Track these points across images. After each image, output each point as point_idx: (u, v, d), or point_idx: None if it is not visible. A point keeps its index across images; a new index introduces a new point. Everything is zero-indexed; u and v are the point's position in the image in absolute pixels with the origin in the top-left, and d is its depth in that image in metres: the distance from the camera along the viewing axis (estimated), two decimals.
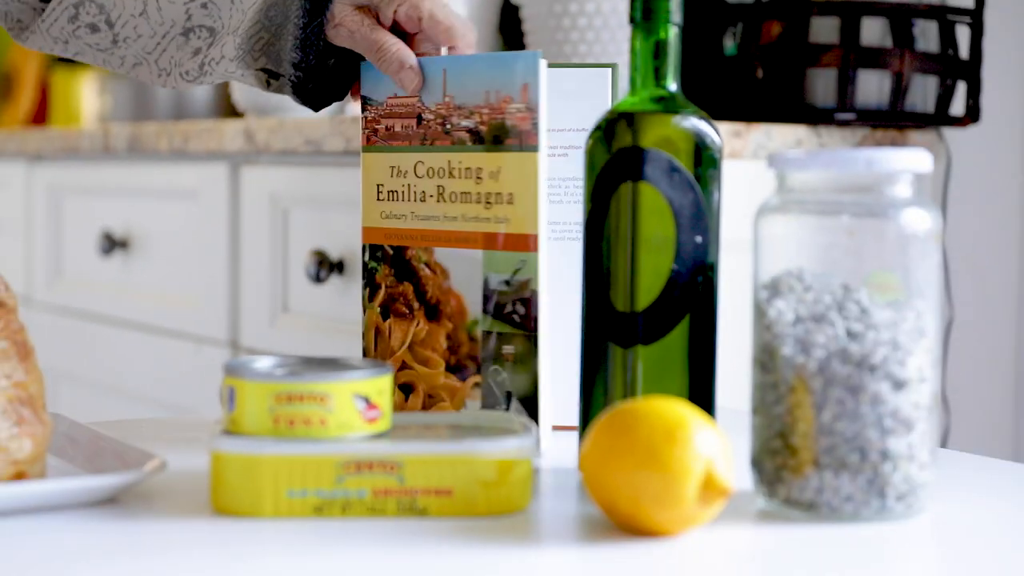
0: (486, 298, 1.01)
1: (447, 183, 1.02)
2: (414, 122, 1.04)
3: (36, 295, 2.47)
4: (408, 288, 1.04)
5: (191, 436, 1.04)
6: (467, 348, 1.02)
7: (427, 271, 1.03)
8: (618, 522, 0.80)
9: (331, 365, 0.88)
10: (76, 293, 2.38)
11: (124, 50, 1.12)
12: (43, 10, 1.14)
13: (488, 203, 1.00)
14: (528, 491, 0.85)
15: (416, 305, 1.04)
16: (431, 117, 1.03)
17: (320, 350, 1.80)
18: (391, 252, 1.05)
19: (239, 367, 0.85)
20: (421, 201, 1.04)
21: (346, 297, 1.85)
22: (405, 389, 1.05)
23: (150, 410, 2.17)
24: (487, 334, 1.01)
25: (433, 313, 1.03)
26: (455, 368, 1.03)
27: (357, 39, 1.04)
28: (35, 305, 2.46)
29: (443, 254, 1.03)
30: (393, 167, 1.05)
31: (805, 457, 0.83)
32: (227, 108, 2.66)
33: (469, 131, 1.01)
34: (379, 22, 1.05)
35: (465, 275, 1.02)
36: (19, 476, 0.84)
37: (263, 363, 0.87)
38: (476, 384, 1.02)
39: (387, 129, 1.05)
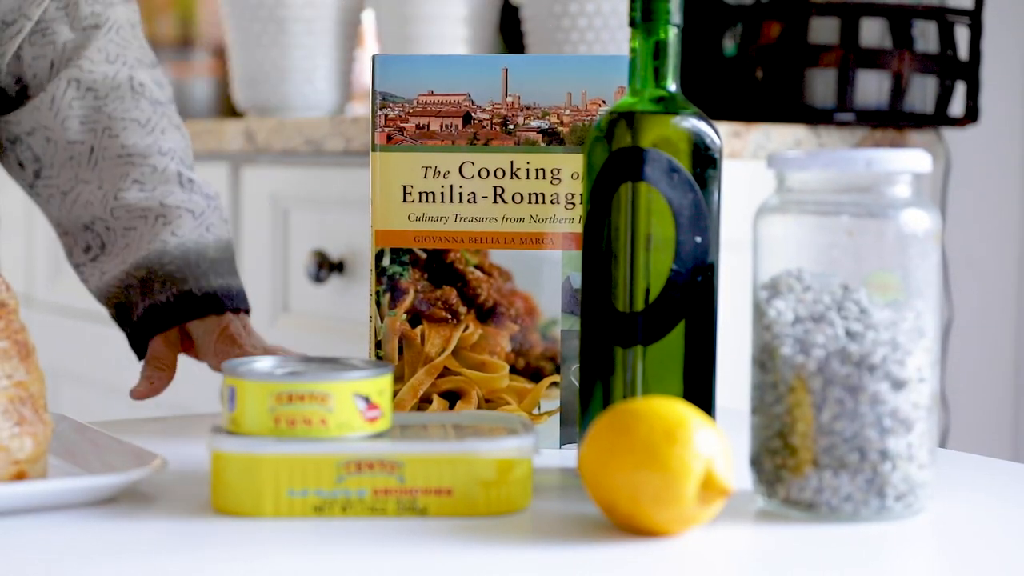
0: (568, 297, 1.02)
1: (508, 184, 1.02)
2: (459, 121, 1.03)
3: (37, 295, 2.47)
4: (450, 292, 1.03)
5: (192, 435, 1.05)
6: (541, 349, 1.03)
7: (477, 274, 1.03)
8: (618, 522, 0.80)
9: (331, 365, 0.88)
10: (77, 293, 2.38)
11: (42, 195, 1.23)
12: None
13: (571, 204, 1.01)
14: (528, 491, 0.85)
15: (463, 309, 1.04)
16: (486, 116, 1.03)
17: (320, 350, 1.81)
18: (423, 256, 1.03)
19: (239, 367, 0.85)
20: (471, 202, 1.03)
21: (346, 297, 1.85)
22: (450, 396, 1.04)
23: (151, 410, 2.17)
24: (567, 333, 1.02)
25: (489, 316, 1.03)
26: (524, 370, 1.03)
27: (155, 343, 1.17)
28: (36, 305, 2.46)
29: (503, 256, 1.03)
30: (428, 167, 1.03)
31: (804, 457, 0.83)
32: (228, 108, 2.66)
33: (542, 131, 1.01)
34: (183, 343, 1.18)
35: (533, 275, 1.02)
36: (20, 476, 0.84)
37: (263, 363, 0.87)
38: (554, 383, 1.02)
39: (419, 128, 1.03)
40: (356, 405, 0.83)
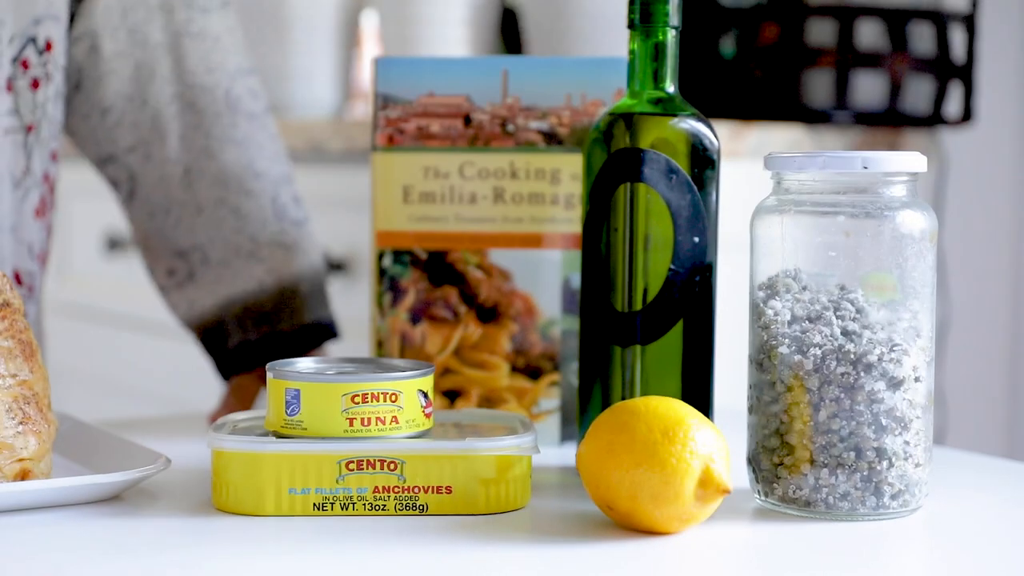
0: (567, 297, 1.03)
1: (508, 184, 1.03)
2: (459, 122, 1.03)
3: (41, 294, 2.47)
4: (451, 292, 1.04)
5: (194, 434, 1.05)
6: (540, 348, 1.03)
7: (478, 273, 1.03)
8: (616, 520, 0.80)
9: (375, 364, 0.89)
10: (81, 292, 2.39)
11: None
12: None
13: (571, 204, 1.02)
14: (527, 489, 0.85)
15: (463, 309, 1.04)
16: (485, 117, 1.03)
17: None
18: (424, 256, 1.04)
19: (297, 370, 0.85)
20: (471, 203, 1.03)
21: (348, 296, 1.86)
22: (450, 395, 1.04)
23: (154, 408, 2.18)
24: (566, 333, 1.03)
25: (489, 316, 1.03)
26: (524, 369, 1.03)
27: (237, 390, 1.16)
28: (40, 304, 2.46)
29: (503, 256, 1.03)
30: (428, 168, 1.03)
31: (801, 455, 0.84)
32: None
33: (542, 133, 1.02)
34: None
35: (532, 276, 1.03)
36: (24, 474, 0.84)
37: (309, 364, 0.88)
38: (553, 383, 1.03)
39: (420, 129, 1.03)
40: (420, 401, 0.85)
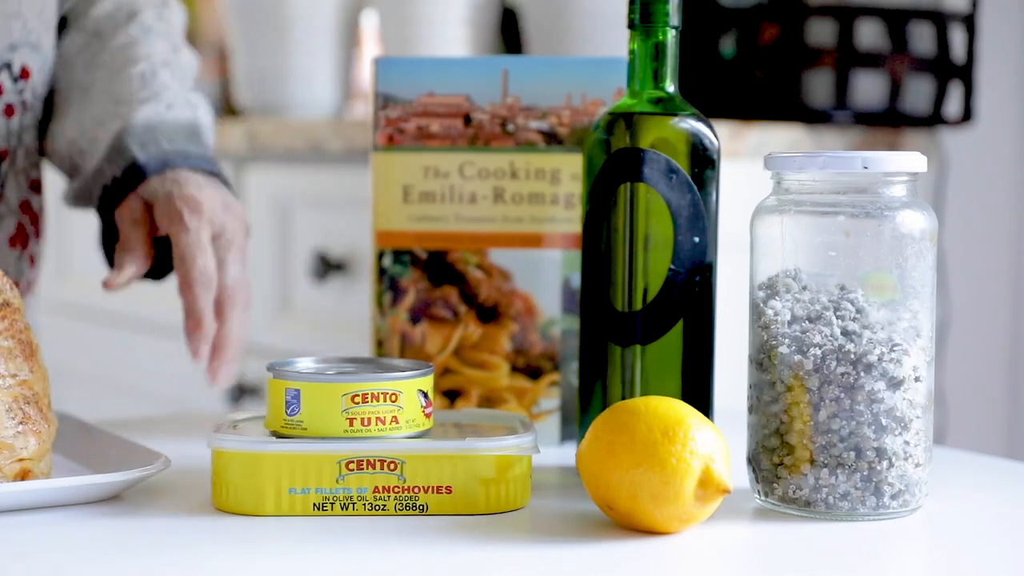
0: (567, 297, 1.03)
1: (508, 184, 1.03)
2: (459, 122, 1.03)
3: (42, 294, 2.48)
4: (451, 292, 1.03)
5: (194, 434, 1.05)
6: (540, 348, 1.03)
7: (478, 273, 1.03)
8: (616, 520, 0.81)
9: (375, 363, 0.89)
10: (81, 292, 2.39)
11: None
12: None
13: (570, 204, 1.02)
14: (527, 489, 0.85)
15: (463, 308, 1.04)
16: (485, 117, 1.03)
17: (322, 348, 1.81)
18: (424, 256, 1.04)
19: (297, 370, 0.85)
20: (471, 203, 1.03)
21: (347, 296, 1.86)
22: (450, 395, 1.04)
23: (154, 408, 2.18)
24: (566, 332, 1.03)
25: (489, 315, 1.03)
26: (524, 369, 1.04)
27: (121, 225, 1.08)
28: (40, 304, 2.46)
29: (503, 256, 1.04)
30: (428, 168, 1.03)
31: (801, 455, 0.84)
32: (229, 108, 2.67)
33: (542, 132, 1.02)
34: (153, 222, 1.07)
35: (532, 275, 1.03)
36: (24, 474, 0.84)
37: (309, 364, 0.88)
38: (553, 383, 1.03)
39: (420, 129, 1.03)
40: (420, 401, 0.85)
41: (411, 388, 0.85)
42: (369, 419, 0.83)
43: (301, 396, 0.83)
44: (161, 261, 1.09)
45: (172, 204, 1.04)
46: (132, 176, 1.07)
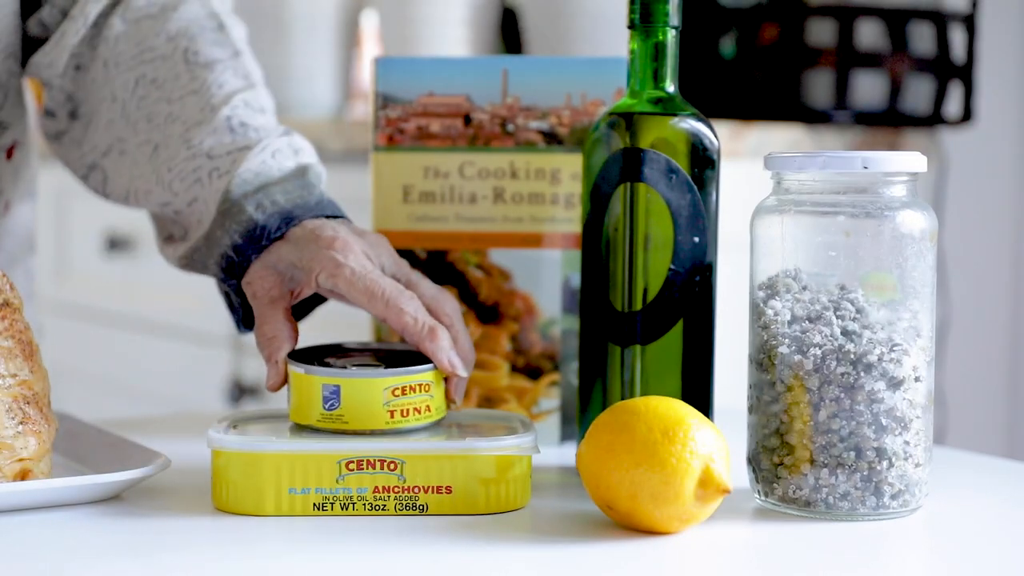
0: (567, 297, 1.03)
1: (508, 184, 1.03)
2: (459, 122, 1.03)
3: (42, 294, 2.48)
4: (451, 291, 1.03)
5: (194, 433, 1.05)
6: (540, 348, 1.03)
7: (478, 273, 1.03)
8: (616, 520, 0.81)
9: (398, 352, 0.91)
10: (81, 292, 2.39)
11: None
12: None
13: (570, 204, 1.02)
14: (527, 489, 0.85)
15: (463, 308, 1.03)
16: (485, 117, 1.03)
17: None
18: (424, 256, 1.04)
19: (335, 366, 0.86)
20: (471, 203, 1.03)
21: None
22: None
23: (154, 407, 2.18)
24: (566, 332, 1.03)
25: (490, 315, 1.03)
26: (524, 369, 1.04)
27: (255, 306, 0.93)
28: (40, 304, 2.46)
29: (503, 255, 1.04)
30: (428, 168, 1.03)
31: (801, 455, 0.84)
32: None
33: (542, 132, 1.02)
34: (291, 292, 0.93)
35: (532, 275, 1.03)
36: (24, 474, 0.84)
37: (323, 355, 0.89)
38: (553, 383, 1.03)
39: (420, 129, 1.03)
40: (442, 388, 0.87)
41: (438, 377, 0.87)
42: (408, 410, 0.85)
43: (341, 391, 0.84)
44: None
45: (318, 256, 0.91)
46: (253, 240, 0.93)
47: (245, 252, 0.94)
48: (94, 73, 1.05)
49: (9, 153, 1.11)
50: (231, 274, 0.95)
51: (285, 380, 0.89)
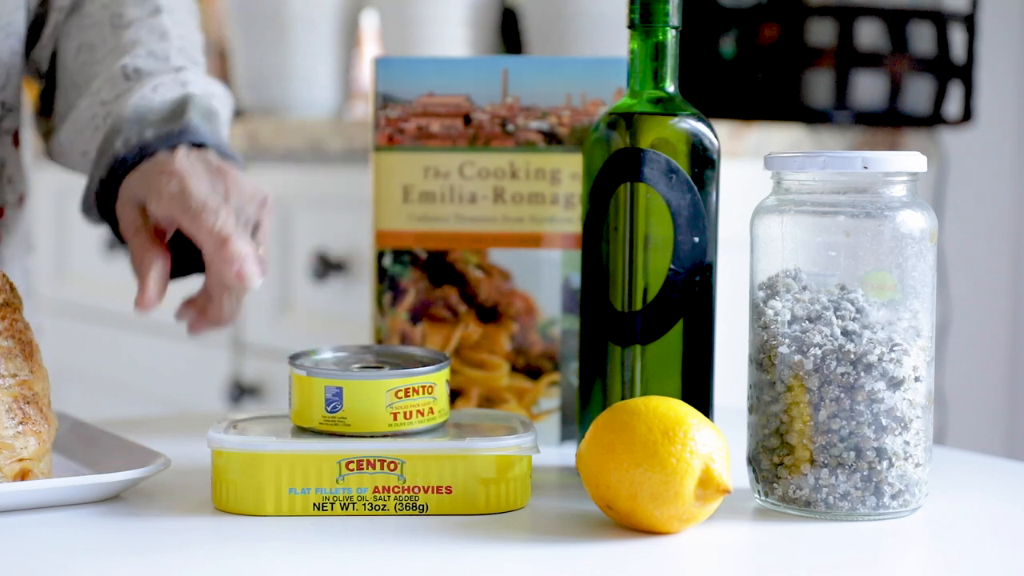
0: (567, 297, 1.03)
1: (508, 184, 1.03)
2: (459, 122, 1.03)
3: (42, 294, 2.48)
4: (451, 292, 1.04)
5: (194, 433, 1.05)
6: (540, 348, 1.03)
7: (477, 273, 1.03)
8: (616, 520, 0.81)
9: (401, 355, 0.90)
10: (81, 292, 2.39)
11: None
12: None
13: (570, 204, 1.02)
14: (527, 489, 0.85)
15: (463, 308, 1.04)
16: (485, 117, 1.03)
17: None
18: (424, 256, 1.04)
19: (337, 368, 0.86)
20: (471, 203, 1.03)
21: (348, 295, 1.86)
22: (450, 395, 1.04)
23: (154, 407, 2.18)
24: (566, 332, 1.03)
25: (489, 315, 1.03)
26: (524, 369, 1.04)
27: (126, 240, 0.97)
28: (40, 304, 2.46)
29: (502, 255, 1.04)
30: (428, 168, 1.03)
31: (801, 455, 0.84)
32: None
33: (542, 132, 1.02)
34: (155, 222, 0.95)
35: (532, 275, 1.03)
36: (24, 474, 0.84)
37: (327, 356, 0.89)
38: (553, 383, 1.03)
39: (420, 129, 1.03)
40: (446, 390, 0.87)
41: (441, 379, 0.86)
42: (411, 412, 0.85)
43: (344, 393, 0.84)
44: (183, 260, 1.00)
45: (151, 184, 0.93)
46: (115, 174, 0.98)
47: (108, 187, 0.98)
48: (58, 50, 1.11)
49: (15, 139, 1.12)
50: (104, 212, 0.99)
51: (155, 300, 0.92)
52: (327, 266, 1.86)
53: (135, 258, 0.95)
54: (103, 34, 1.08)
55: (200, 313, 0.96)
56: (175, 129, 0.98)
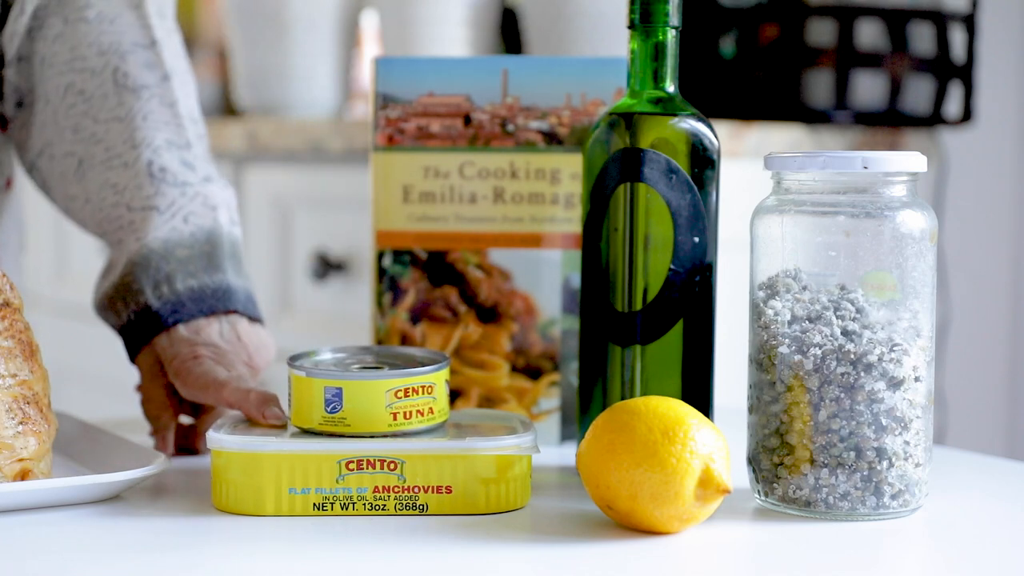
0: (567, 297, 1.03)
1: (508, 184, 1.03)
2: (459, 122, 1.03)
3: (42, 294, 2.48)
4: (450, 291, 1.04)
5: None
6: (540, 348, 1.03)
7: (477, 273, 1.03)
8: (616, 520, 0.81)
9: (401, 356, 0.90)
10: (81, 292, 2.39)
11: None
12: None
13: (570, 204, 1.02)
14: (527, 488, 0.85)
15: (463, 308, 1.04)
16: (485, 117, 1.03)
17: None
18: (424, 256, 1.04)
19: (337, 369, 0.86)
20: (470, 203, 1.03)
21: (348, 295, 1.86)
22: (450, 395, 1.04)
23: None
24: (566, 332, 1.03)
25: (489, 315, 1.03)
26: (524, 369, 1.04)
27: (140, 375, 1.02)
28: (40, 304, 2.46)
29: (502, 255, 1.04)
30: (428, 168, 1.03)
31: (801, 455, 0.84)
32: (229, 108, 2.67)
33: (542, 133, 1.02)
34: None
35: (533, 275, 1.03)
36: (24, 474, 0.84)
37: (327, 357, 0.89)
38: (553, 383, 1.03)
39: (420, 129, 1.03)
40: (446, 391, 0.86)
41: (441, 379, 0.86)
42: (410, 412, 0.84)
43: (343, 394, 0.84)
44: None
45: (176, 359, 0.97)
46: (144, 324, 0.99)
47: (137, 330, 1.00)
48: (34, 67, 1.08)
49: (3, 125, 1.12)
50: (126, 341, 1.02)
51: (171, 448, 0.98)
52: (327, 266, 1.86)
53: (149, 406, 1.00)
54: (103, 88, 1.05)
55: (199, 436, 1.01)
56: (208, 287, 1.00)
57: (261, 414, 0.88)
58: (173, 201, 1.02)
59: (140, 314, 0.99)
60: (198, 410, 1.01)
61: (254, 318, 1.01)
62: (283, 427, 0.87)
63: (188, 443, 1.00)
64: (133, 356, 1.02)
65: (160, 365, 0.99)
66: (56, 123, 1.07)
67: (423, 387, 0.85)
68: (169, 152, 1.04)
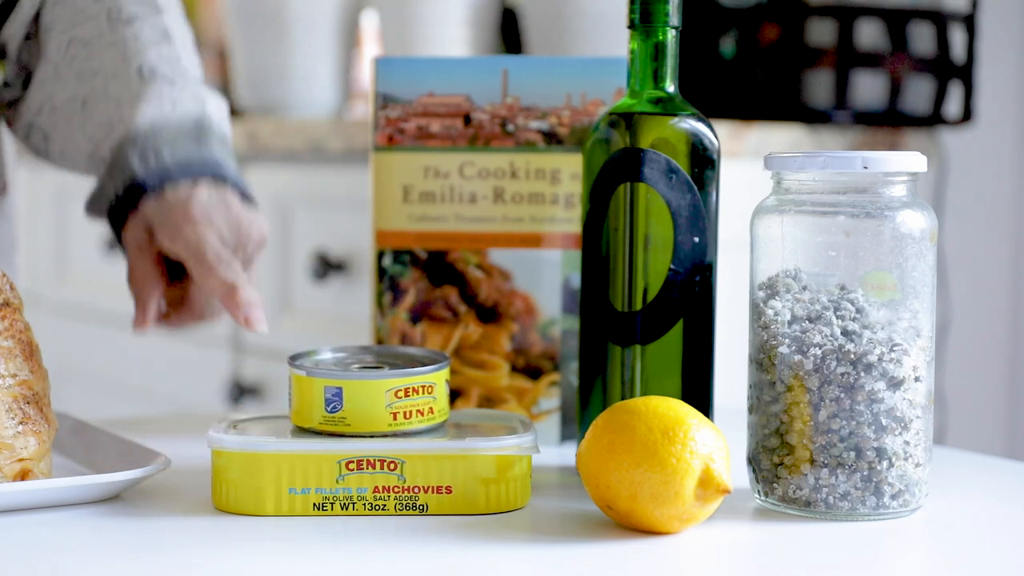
0: (567, 297, 1.03)
1: (508, 184, 1.03)
2: (459, 122, 1.03)
3: (42, 294, 2.48)
4: (450, 291, 1.04)
5: (194, 433, 1.05)
6: (540, 348, 1.03)
7: (477, 273, 1.03)
8: (616, 520, 0.81)
9: (401, 356, 0.90)
10: (81, 292, 2.39)
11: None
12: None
13: (570, 204, 1.02)
14: (527, 488, 0.85)
15: (463, 308, 1.04)
16: (485, 117, 1.03)
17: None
18: (424, 256, 1.04)
19: (337, 368, 0.86)
20: (471, 203, 1.03)
21: (348, 296, 1.86)
22: (450, 395, 1.04)
23: (154, 407, 2.18)
24: (566, 332, 1.03)
25: (489, 315, 1.03)
26: (524, 369, 1.04)
27: (127, 253, 1.01)
28: (40, 304, 2.47)
29: (502, 256, 1.04)
30: (428, 168, 1.03)
31: (801, 455, 0.84)
32: (230, 108, 2.67)
33: (542, 132, 1.02)
34: (153, 242, 1.00)
35: (532, 275, 1.03)
36: (24, 474, 0.84)
37: (327, 356, 0.89)
38: (553, 383, 1.03)
39: (420, 129, 1.03)
40: (446, 390, 0.87)
41: (441, 379, 0.86)
42: (410, 412, 0.84)
43: (344, 393, 0.84)
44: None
45: (168, 219, 0.97)
46: (132, 194, 1.00)
47: (123, 204, 1.00)
48: (40, 39, 1.10)
49: None
50: (114, 223, 1.02)
51: (152, 324, 0.98)
52: (327, 266, 1.86)
53: (135, 278, 1.00)
54: (99, 27, 1.07)
55: (181, 307, 1.01)
56: (196, 158, 1.00)
57: (243, 318, 0.87)
58: (162, 92, 1.03)
59: (128, 187, 1.00)
60: (181, 276, 1.01)
61: (246, 196, 1.01)
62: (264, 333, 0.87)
63: (165, 318, 1.00)
64: (120, 231, 1.01)
65: (148, 236, 0.99)
66: (58, 75, 1.08)
67: (423, 387, 0.85)
68: (160, 61, 1.05)
